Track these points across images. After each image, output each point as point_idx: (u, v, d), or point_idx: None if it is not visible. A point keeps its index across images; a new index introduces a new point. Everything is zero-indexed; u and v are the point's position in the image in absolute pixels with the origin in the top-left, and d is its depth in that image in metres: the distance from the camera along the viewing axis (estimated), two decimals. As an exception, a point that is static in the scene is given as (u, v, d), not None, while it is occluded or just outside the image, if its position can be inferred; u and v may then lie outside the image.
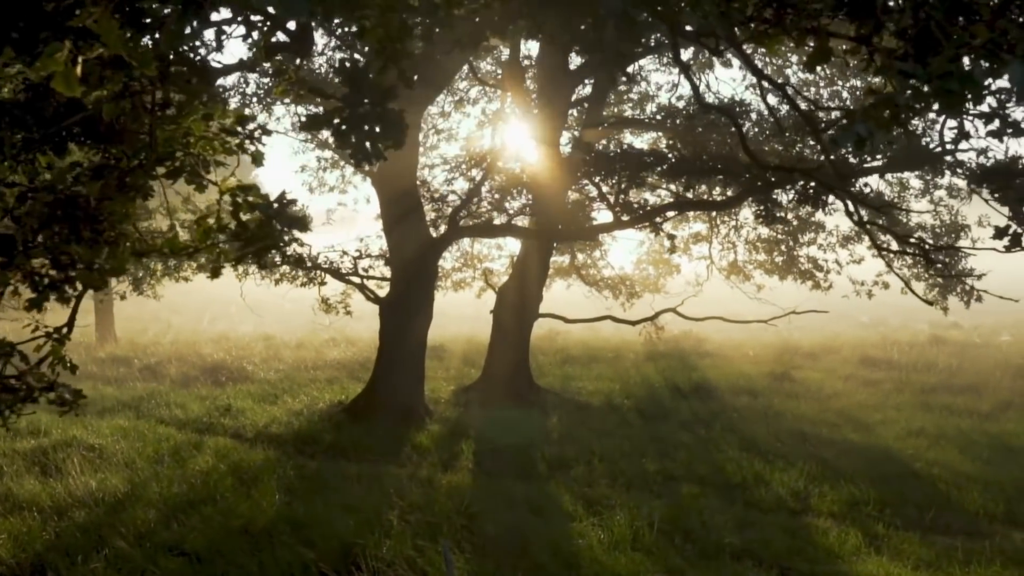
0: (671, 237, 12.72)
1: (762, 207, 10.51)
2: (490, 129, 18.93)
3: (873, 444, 12.05)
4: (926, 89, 2.54)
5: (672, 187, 12.95)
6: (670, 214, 13.10)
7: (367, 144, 2.44)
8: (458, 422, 13.31)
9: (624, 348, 22.20)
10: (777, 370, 18.45)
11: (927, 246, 11.31)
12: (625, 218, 12.35)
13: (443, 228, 14.25)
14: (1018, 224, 3.87)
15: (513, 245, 19.30)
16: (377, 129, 2.43)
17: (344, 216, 20.98)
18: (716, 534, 7.93)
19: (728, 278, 20.07)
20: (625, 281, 22.39)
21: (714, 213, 18.31)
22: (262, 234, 3.25)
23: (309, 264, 14.04)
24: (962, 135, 3.90)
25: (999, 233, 4.01)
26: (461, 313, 29.13)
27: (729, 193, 12.40)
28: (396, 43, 2.61)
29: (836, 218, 16.89)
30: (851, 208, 10.50)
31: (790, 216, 15.72)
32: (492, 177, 14.13)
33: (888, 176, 15.98)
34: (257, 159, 3.57)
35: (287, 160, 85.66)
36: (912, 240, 11.85)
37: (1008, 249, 4.30)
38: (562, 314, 18.34)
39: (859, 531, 8.30)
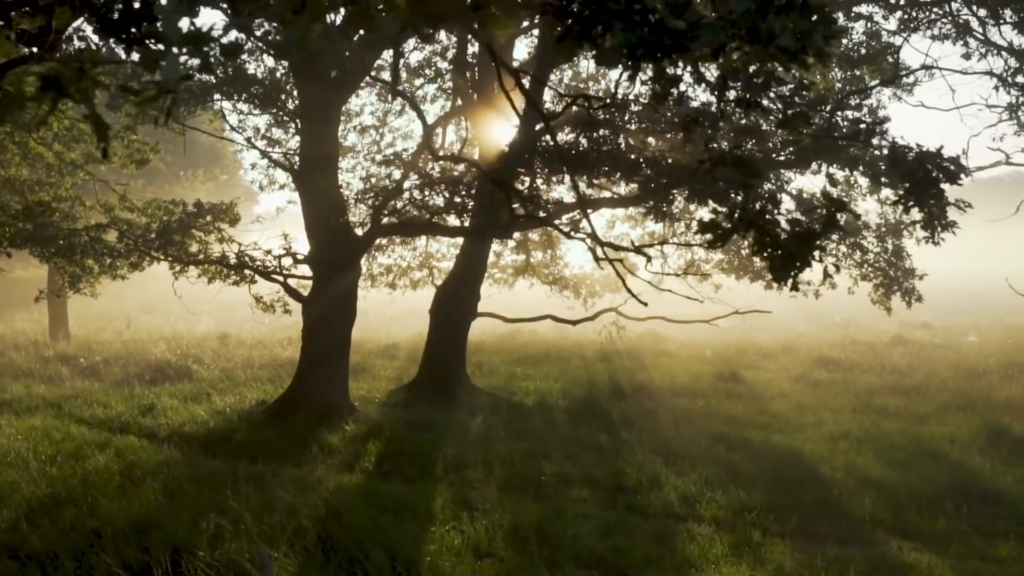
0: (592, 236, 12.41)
1: (651, 204, 10.25)
2: (441, 127, 18.74)
3: (790, 447, 11.74)
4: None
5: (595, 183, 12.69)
6: (573, 211, 12.81)
7: None
8: (377, 423, 13.11)
9: (583, 348, 21.97)
10: (726, 371, 18.14)
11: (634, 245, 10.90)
12: (542, 215, 12.10)
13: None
14: (724, 219, 3.60)
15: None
16: None
17: (296, 214, 20.85)
18: (577, 541, 7.69)
19: (684, 278, 19.76)
20: (585, 280, 22.21)
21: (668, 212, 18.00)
22: None
23: (233, 261, 13.87)
24: (694, 120, 3.65)
25: (703, 228, 3.74)
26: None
27: (631, 187, 12.16)
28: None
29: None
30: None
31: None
32: (420, 174, 13.92)
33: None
34: None
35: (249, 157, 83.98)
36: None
37: (711, 245, 4.03)
38: (528, 314, 18.11)
39: (732, 538, 8.02)
